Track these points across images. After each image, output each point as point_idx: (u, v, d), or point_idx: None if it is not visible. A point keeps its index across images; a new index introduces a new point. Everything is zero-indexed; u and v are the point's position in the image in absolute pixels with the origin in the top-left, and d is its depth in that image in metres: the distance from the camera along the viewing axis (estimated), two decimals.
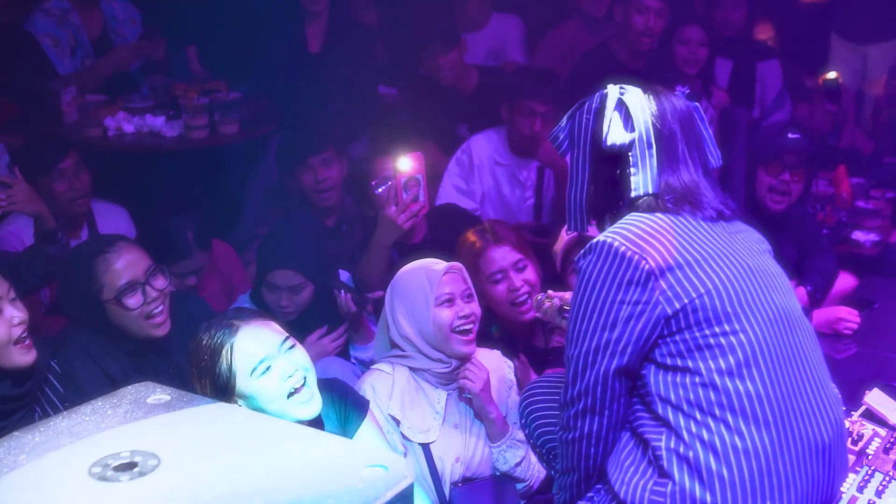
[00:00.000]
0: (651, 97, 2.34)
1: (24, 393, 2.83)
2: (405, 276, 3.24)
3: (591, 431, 2.27)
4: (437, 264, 3.24)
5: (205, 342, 2.60)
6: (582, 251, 2.26)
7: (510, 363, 3.46)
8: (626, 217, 2.28)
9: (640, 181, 2.28)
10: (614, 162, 2.32)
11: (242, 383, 2.57)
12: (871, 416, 2.86)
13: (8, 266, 3.27)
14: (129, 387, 2.50)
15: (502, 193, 4.94)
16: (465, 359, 3.20)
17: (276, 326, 2.65)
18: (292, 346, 2.63)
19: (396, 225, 3.79)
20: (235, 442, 2.22)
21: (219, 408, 2.42)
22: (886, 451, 2.72)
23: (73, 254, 3.35)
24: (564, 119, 2.42)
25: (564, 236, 3.59)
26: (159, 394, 2.44)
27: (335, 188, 4.53)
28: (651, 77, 5.15)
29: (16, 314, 2.76)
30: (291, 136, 4.85)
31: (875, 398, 2.90)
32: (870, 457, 2.69)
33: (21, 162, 3.77)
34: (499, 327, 3.71)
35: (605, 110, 2.31)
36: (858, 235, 4.76)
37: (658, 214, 2.25)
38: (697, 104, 2.42)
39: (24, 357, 2.78)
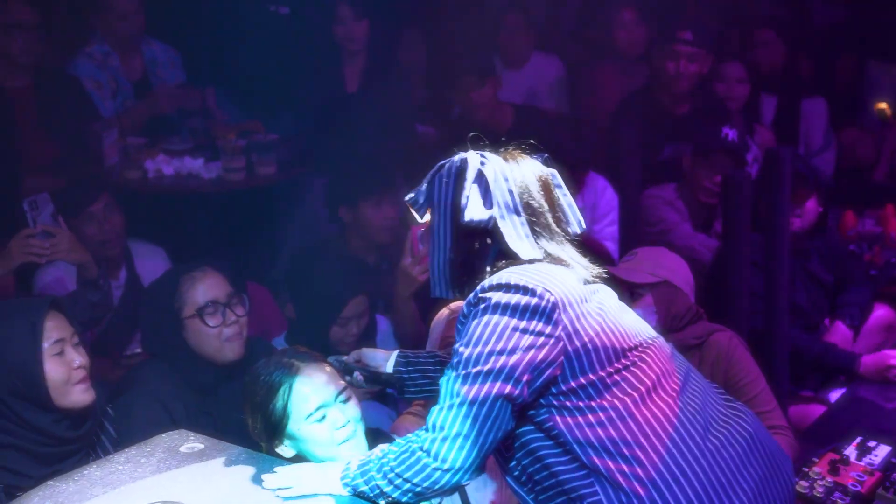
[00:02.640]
0: (513, 166, 2.28)
1: (82, 434, 2.85)
2: (435, 322, 3.28)
3: (461, 462, 2.14)
4: (447, 309, 3.25)
5: (262, 378, 2.61)
6: (474, 294, 2.18)
7: None
8: (508, 267, 2.21)
9: (524, 249, 2.22)
10: (478, 232, 2.25)
11: (295, 426, 2.57)
12: None
13: None
14: (164, 435, 2.53)
15: None
16: None
17: (333, 374, 2.66)
18: (348, 399, 2.63)
19: (412, 276, 3.74)
20: (265, 495, 2.23)
21: (251, 458, 2.43)
22: None
23: (162, 276, 3.53)
24: (424, 181, 2.36)
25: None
26: (192, 442, 2.46)
27: (390, 227, 4.58)
28: (697, 119, 5.16)
29: (77, 358, 2.80)
30: (344, 176, 4.87)
31: None
32: None
33: (56, 205, 3.84)
34: None
35: (463, 180, 2.25)
36: None
37: (539, 262, 2.22)
38: (555, 171, 2.35)
39: (83, 396, 2.80)
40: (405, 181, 5.37)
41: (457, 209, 2.25)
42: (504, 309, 2.12)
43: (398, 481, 2.15)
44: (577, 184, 4.83)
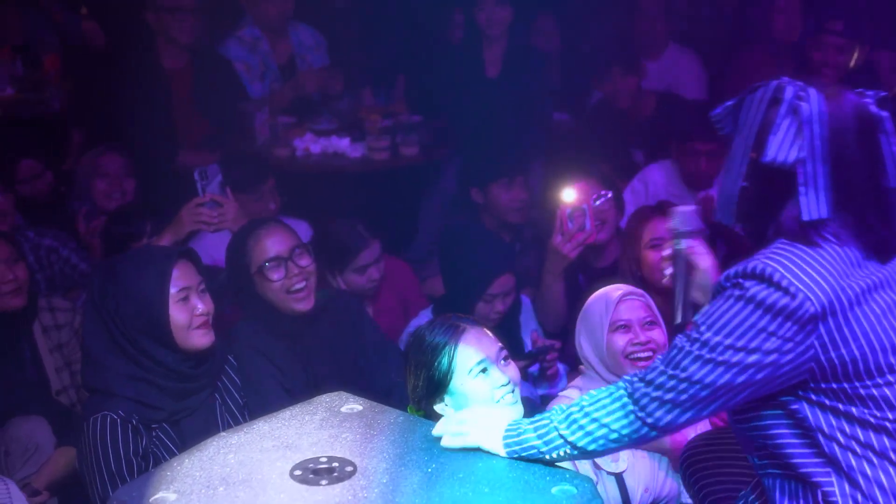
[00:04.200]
0: (833, 104, 2.08)
1: (202, 373, 3.05)
2: (591, 300, 3.29)
3: (659, 417, 2.10)
4: (617, 290, 3.26)
5: (427, 338, 2.72)
6: (745, 269, 2.06)
7: None
8: (786, 245, 2.06)
9: (812, 204, 2.03)
10: (771, 171, 2.07)
11: (458, 380, 2.67)
12: None
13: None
14: (324, 395, 2.62)
15: None
16: None
17: (495, 337, 2.76)
18: (507, 358, 2.74)
19: (562, 254, 3.90)
20: (426, 455, 2.30)
21: (408, 420, 2.51)
22: None
23: (235, 233, 3.62)
24: (732, 102, 2.20)
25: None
26: (352, 403, 2.55)
27: (521, 210, 4.67)
28: None
29: (200, 305, 2.99)
30: (478, 157, 4.95)
31: None
32: None
33: (228, 179, 3.99)
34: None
35: (776, 111, 2.07)
36: None
37: (819, 248, 2.05)
38: (888, 113, 2.13)
39: (201, 339, 2.99)
40: (540, 166, 5.44)
41: (761, 140, 2.08)
42: (758, 305, 2.01)
43: (592, 427, 2.11)
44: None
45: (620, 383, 2.14)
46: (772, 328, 1.99)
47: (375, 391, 3.11)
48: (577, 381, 3.30)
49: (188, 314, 2.97)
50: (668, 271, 2.60)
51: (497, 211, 4.67)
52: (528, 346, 3.90)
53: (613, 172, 5.33)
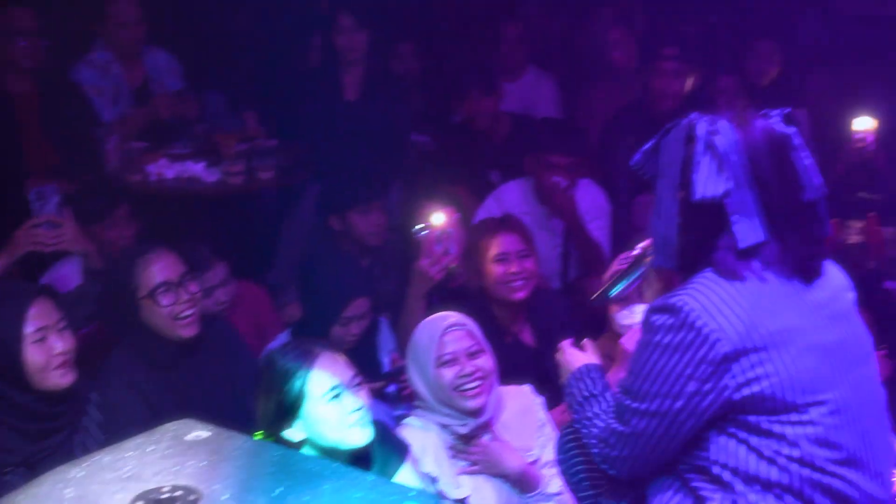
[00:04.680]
0: (744, 131, 2.12)
1: (61, 413, 2.97)
2: (417, 332, 3.30)
3: (626, 472, 2.27)
4: (442, 321, 3.25)
5: (280, 362, 2.76)
6: (656, 304, 2.14)
7: (539, 401, 3.45)
8: (707, 281, 2.11)
9: (747, 231, 2.08)
10: (702, 208, 2.11)
11: (311, 405, 2.70)
12: None
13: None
14: (170, 424, 2.56)
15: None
16: (474, 414, 3.19)
17: (347, 361, 2.81)
18: (360, 384, 2.79)
19: (428, 276, 3.96)
20: (273, 479, 2.27)
21: (257, 445, 2.48)
22: None
23: (118, 255, 3.60)
24: (649, 145, 2.25)
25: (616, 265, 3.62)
26: (199, 430, 2.50)
27: (378, 234, 4.68)
28: None
29: (58, 345, 2.92)
30: (335, 185, 4.93)
31: None
32: None
33: (75, 207, 3.93)
34: (489, 315, 3.85)
35: (692, 147, 2.12)
36: (890, 285, 4.76)
37: (740, 283, 2.09)
38: (795, 128, 2.19)
39: (61, 379, 2.92)
40: (399, 189, 5.47)
41: (686, 180, 2.12)
42: (673, 351, 2.08)
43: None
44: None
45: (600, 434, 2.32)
46: (688, 371, 2.07)
47: (253, 420, 3.06)
48: (416, 418, 3.28)
49: (46, 355, 2.88)
50: (637, 251, 2.63)
51: (356, 236, 4.67)
52: (387, 366, 3.91)
53: (471, 192, 5.41)
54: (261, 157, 5.13)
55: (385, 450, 2.90)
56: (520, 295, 3.95)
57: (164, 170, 5.07)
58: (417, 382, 3.23)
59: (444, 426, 3.22)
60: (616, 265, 2.74)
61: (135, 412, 3.20)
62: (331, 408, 2.71)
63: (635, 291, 2.70)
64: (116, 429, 3.07)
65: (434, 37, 6.81)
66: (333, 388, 2.71)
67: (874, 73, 6.52)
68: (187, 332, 3.34)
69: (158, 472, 2.26)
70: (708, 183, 2.09)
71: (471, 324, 3.28)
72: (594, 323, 4.15)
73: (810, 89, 6.23)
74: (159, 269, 3.33)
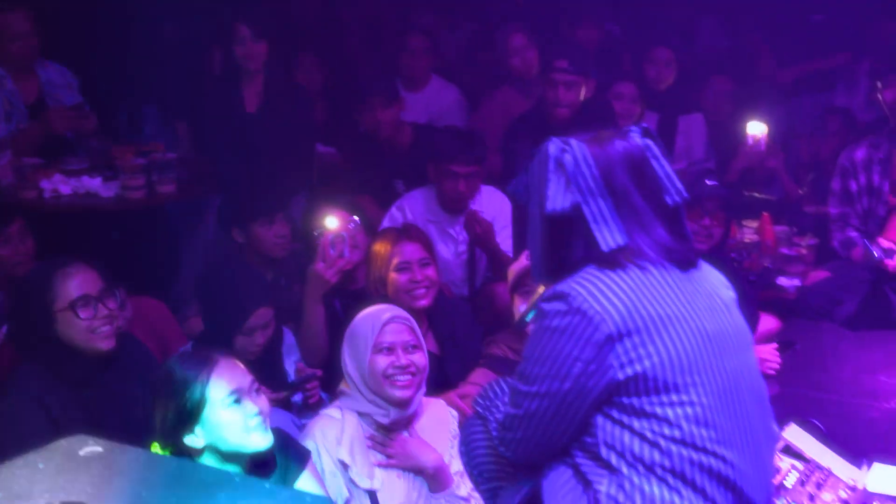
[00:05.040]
0: (597, 147, 2.27)
1: None
2: (359, 318, 3.36)
3: (521, 454, 2.33)
4: (385, 313, 3.33)
5: (178, 371, 2.76)
6: (548, 293, 2.24)
7: (454, 413, 3.53)
8: (592, 269, 2.21)
9: (607, 236, 2.21)
10: (569, 219, 2.24)
11: (212, 410, 2.72)
12: (788, 450, 2.96)
13: None
14: (62, 440, 2.53)
15: (436, 249, 5.04)
16: (401, 405, 3.25)
17: (245, 368, 2.83)
18: (258, 389, 2.82)
19: (324, 279, 4.03)
20: (168, 491, 2.25)
21: (152, 458, 2.46)
22: (802, 483, 2.81)
23: (33, 269, 3.55)
24: (522, 174, 2.37)
25: (523, 260, 3.70)
26: (91, 446, 2.47)
27: (282, 245, 4.67)
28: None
29: None
30: (234, 199, 4.90)
31: (793, 434, 3.00)
32: (788, 489, 2.78)
33: None
34: None
35: (545, 167, 2.26)
36: (783, 281, 4.90)
37: (622, 271, 2.20)
38: (650, 141, 2.32)
39: None
40: (303, 199, 5.46)
41: (542, 198, 2.26)
42: (561, 333, 2.17)
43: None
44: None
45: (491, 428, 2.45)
46: (575, 353, 2.16)
47: None
48: (338, 401, 3.35)
49: None
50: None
51: (259, 248, 4.64)
52: (292, 376, 3.91)
53: (376, 202, 5.42)
54: (160, 170, 5.05)
55: (286, 456, 2.92)
56: (422, 303, 3.99)
57: (60, 185, 4.97)
58: (350, 366, 3.29)
59: (363, 416, 3.28)
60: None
61: (36, 427, 3.13)
62: (231, 412, 2.73)
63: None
64: (14, 443, 3.02)
65: (337, 48, 6.81)
66: (233, 393, 2.73)
67: (770, 79, 6.74)
68: (105, 344, 3.30)
69: (49, 488, 2.22)
70: (556, 197, 2.23)
71: (412, 321, 3.37)
72: (499, 326, 4.22)
73: (707, 95, 6.38)
74: (79, 283, 3.29)
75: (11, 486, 2.25)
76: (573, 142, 2.28)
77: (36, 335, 3.31)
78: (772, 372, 3.89)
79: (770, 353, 3.95)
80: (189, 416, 2.73)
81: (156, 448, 2.77)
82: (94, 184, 5.01)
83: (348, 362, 3.30)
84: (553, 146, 2.27)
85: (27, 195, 4.96)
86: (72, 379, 3.29)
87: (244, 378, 2.79)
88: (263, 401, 2.81)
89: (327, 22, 7.19)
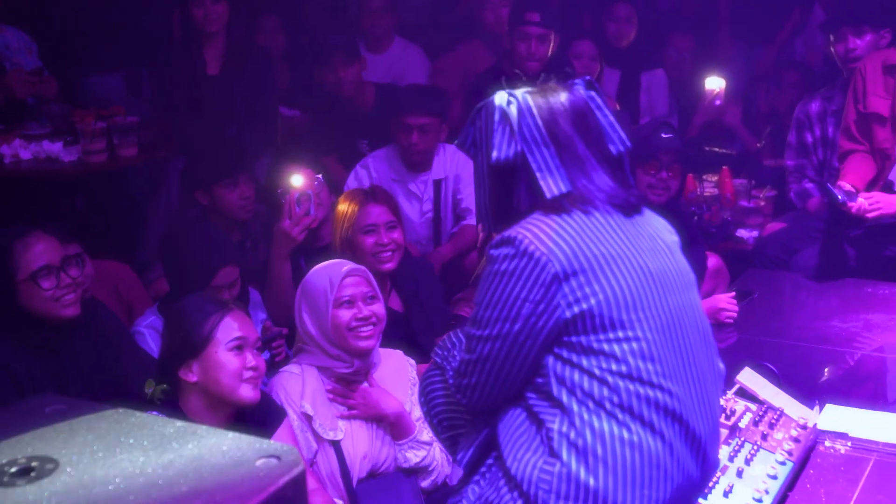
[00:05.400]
0: (540, 98, 2.34)
1: None
2: (311, 275, 3.40)
3: (477, 399, 2.38)
4: (342, 266, 3.38)
5: (193, 305, 2.94)
6: (495, 240, 2.29)
7: (412, 362, 3.60)
8: (538, 215, 2.28)
9: (550, 183, 2.28)
10: (514, 168, 2.31)
11: (214, 348, 2.86)
12: (742, 393, 3.03)
13: None
14: (29, 398, 2.56)
15: (401, 207, 5.08)
16: (363, 355, 3.32)
17: (253, 325, 3.01)
18: (260, 348, 2.99)
19: (291, 237, 4.08)
20: (133, 443, 2.27)
21: (116, 413, 2.48)
22: (756, 423, 2.88)
23: None
24: (467, 124, 2.42)
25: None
26: (55, 404, 2.50)
27: (247, 207, 4.67)
28: None
29: None
30: (197, 161, 4.90)
31: (746, 377, 3.07)
32: (741, 429, 2.85)
33: None
34: None
35: (492, 120, 2.34)
36: (742, 233, 4.99)
37: (567, 215, 2.26)
38: (594, 93, 2.38)
39: None
40: (268, 161, 5.47)
41: (490, 149, 2.33)
42: (510, 275, 2.22)
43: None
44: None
45: (447, 373, 2.49)
46: (523, 294, 2.21)
47: (134, 400, 3.07)
48: (299, 357, 3.40)
49: None
50: None
51: (224, 210, 4.64)
52: (259, 334, 3.93)
53: (340, 162, 5.44)
54: (122, 133, 5.04)
55: (264, 414, 3.04)
56: (388, 266, 4.02)
57: (20, 150, 4.95)
58: (308, 322, 3.33)
59: (322, 369, 3.33)
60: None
61: (1, 392, 3.16)
62: (231, 356, 2.86)
63: None
64: None
65: (298, 9, 6.78)
66: (239, 339, 2.87)
67: (731, 36, 6.78)
68: (68, 311, 3.30)
69: (13, 444, 2.26)
70: (502, 146, 2.30)
71: (368, 273, 3.42)
72: (464, 282, 4.26)
73: (669, 52, 6.42)
74: (39, 252, 3.28)
75: None
76: (518, 93, 2.35)
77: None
78: (730, 320, 3.96)
79: (728, 302, 4.01)
80: (193, 346, 2.87)
81: (150, 385, 2.91)
82: (54, 148, 4.98)
83: (307, 319, 3.34)
84: (499, 97, 2.34)
85: None
86: (37, 345, 3.30)
87: (251, 332, 2.93)
88: (261, 361, 2.93)
89: None
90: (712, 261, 4.46)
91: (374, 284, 3.40)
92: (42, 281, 3.25)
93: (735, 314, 3.99)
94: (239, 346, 2.88)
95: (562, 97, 2.35)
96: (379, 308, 3.36)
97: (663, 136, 4.07)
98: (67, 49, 5.75)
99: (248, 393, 2.88)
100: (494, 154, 2.30)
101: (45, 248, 3.30)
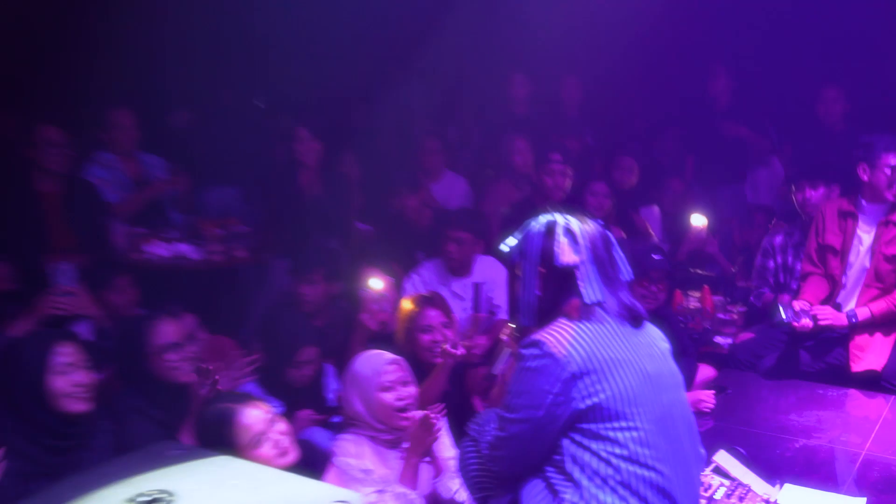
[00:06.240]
0: (584, 226, 2.37)
1: (77, 434, 2.95)
2: (357, 364, 3.30)
3: (505, 469, 2.37)
4: (384, 356, 3.30)
5: (209, 418, 2.85)
6: (526, 342, 2.29)
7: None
8: (563, 322, 2.29)
9: (590, 291, 2.29)
10: (559, 275, 2.33)
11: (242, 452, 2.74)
12: (718, 471, 2.99)
13: None
14: (153, 444, 2.60)
15: None
16: (402, 430, 3.22)
17: (266, 407, 2.89)
18: (281, 428, 2.88)
19: (367, 327, 4.11)
20: (233, 483, 2.32)
21: (222, 459, 2.52)
22: (728, 496, 2.84)
23: (134, 318, 3.65)
24: (513, 238, 2.44)
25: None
26: (175, 448, 2.54)
27: (323, 295, 4.70)
28: None
29: (78, 378, 2.94)
30: (296, 261, 4.96)
31: (721, 457, 3.03)
32: (716, 501, 2.81)
33: (86, 279, 3.96)
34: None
35: (554, 233, 2.34)
36: (719, 339, 4.94)
37: (586, 323, 2.27)
38: (609, 232, 2.45)
39: (76, 405, 2.93)
40: (347, 264, 5.53)
41: (545, 256, 2.33)
42: (536, 371, 2.23)
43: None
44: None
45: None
46: (546, 387, 2.21)
47: None
48: (350, 429, 3.27)
49: (67, 384, 2.90)
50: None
51: (311, 301, 4.68)
52: (332, 402, 3.93)
53: (401, 267, 5.49)
54: (236, 239, 5.18)
55: (312, 461, 3.02)
56: (439, 360, 3.86)
57: (159, 249, 5.10)
58: (356, 403, 3.22)
59: (372, 438, 3.23)
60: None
61: (144, 434, 3.17)
62: (254, 453, 2.77)
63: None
64: (129, 447, 3.04)
65: (372, 148, 6.92)
66: (254, 436, 2.78)
67: (715, 180, 6.82)
68: (185, 378, 3.37)
69: (145, 479, 2.30)
70: (567, 254, 2.32)
71: (403, 361, 3.34)
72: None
73: (665, 193, 6.47)
74: (167, 332, 3.38)
75: (119, 473, 2.32)
76: (570, 218, 2.38)
77: (134, 369, 3.38)
78: (708, 410, 3.92)
79: (707, 396, 3.97)
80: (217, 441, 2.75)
81: None
82: (184, 249, 5.13)
83: (355, 402, 3.23)
84: (559, 216, 2.38)
85: (135, 256, 5.08)
86: (159, 402, 3.34)
87: (260, 421, 2.82)
88: (285, 439, 2.85)
89: (365, 127, 7.29)
90: (704, 372, 4.43)
91: (407, 370, 3.31)
92: (167, 354, 3.33)
93: (712, 405, 3.95)
94: (257, 443, 2.80)
95: (596, 228, 2.40)
96: (413, 390, 3.27)
97: (654, 257, 4.09)
98: (196, 169, 5.91)
99: (281, 464, 2.77)
100: (560, 259, 2.31)
101: (171, 329, 3.39)
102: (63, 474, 2.78)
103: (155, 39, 6.11)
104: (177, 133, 6.31)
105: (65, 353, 2.95)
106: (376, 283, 4.16)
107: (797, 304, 4.35)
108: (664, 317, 4.31)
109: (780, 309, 4.15)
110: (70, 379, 2.92)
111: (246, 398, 2.94)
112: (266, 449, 2.78)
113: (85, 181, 5.23)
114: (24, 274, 4.53)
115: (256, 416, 2.81)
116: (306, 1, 6.55)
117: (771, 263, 5.15)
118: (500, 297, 5.00)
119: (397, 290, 4.57)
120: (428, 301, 4.04)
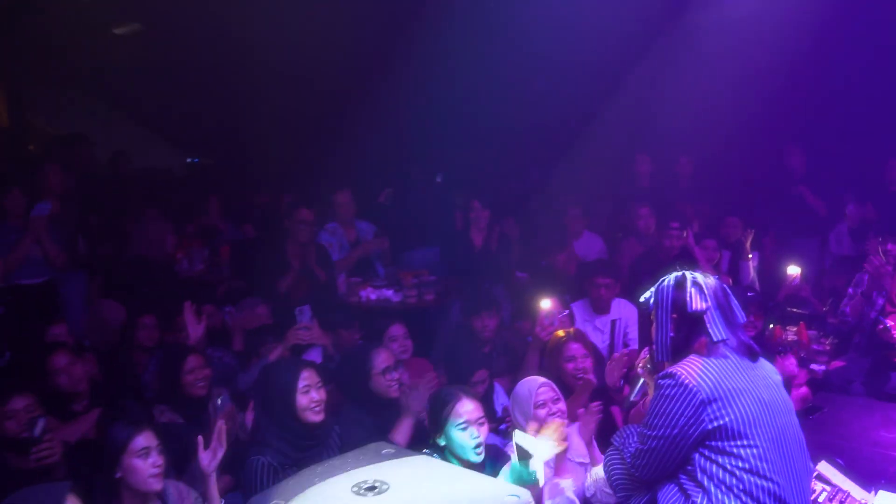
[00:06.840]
0: (707, 279, 2.31)
1: (317, 435, 3.03)
2: (518, 389, 3.27)
3: (644, 475, 2.30)
4: (535, 381, 3.24)
5: (442, 394, 2.90)
6: (662, 374, 2.24)
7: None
8: (693, 358, 2.23)
9: (717, 332, 2.23)
10: (690, 319, 2.27)
11: (449, 428, 2.79)
12: (820, 478, 2.79)
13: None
14: (371, 444, 2.68)
15: (590, 336, 5.03)
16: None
17: (479, 405, 2.87)
18: (483, 423, 2.83)
19: (541, 339, 4.03)
20: (433, 477, 2.35)
21: (423, 458, 2.57)
22: (830, 501, 2.64)
23: (360, 348, 3.71)
24: (649, 292, 2.39)
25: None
26: (388, 448, 2.61)
27: (491, 328, 4.68)
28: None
29: (316, 396, 3.03)
30: (470, 301, 4.99)
31: (823, 467, 2.82)
32: None
33: (321, 318, 4.15)
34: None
35: (684, 286, 2.29)
36: (814, 367, 4.61)
37: (713, 358, 2.21)
38: (722, 283, 2.38)
39: (316, 417, 3.01)
40: (508, 306, 5.54)
41: (677, 305, 2.28)
42: (671, 399, 2.19)
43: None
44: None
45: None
46: (680, 411, 2.17)
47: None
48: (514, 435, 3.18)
49: (309, 401, 3.00)
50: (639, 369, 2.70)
51: (481, 332, 4.71)
52: (499, 413, 3.92)
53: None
54: (426, 286, 5.31)
55: (494, 462, 2.95)
56: (580, 384, 3.79)
57: (370, 294, 5.30)
58: (520, 419, 3.19)
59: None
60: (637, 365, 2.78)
61: (360, 438, 3.15)
62: (460, 434, 2.77)
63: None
64: (350, 447, 3.16)
65: (525, 213, 6.91)
66: (465, 422, 2.77)
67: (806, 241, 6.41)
68: (394, 393, 3.42)
69: (366, 472, 2.38)
70: (697, 302, 2.27)
71: (551, 383, 3.27)
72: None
73: (764, 246, 6.15)
74: (384, 358, 3.44)
75: (346, 466, 2.40)
76: (695, 274, 2.34)
77: (356, 387, 3.44)
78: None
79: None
80: (437, 425, 2.80)
81: (432, 441, 2.83)
82: (389, 293, 5.29)
83: (518, 417, 3.18)
84: (689, 274, 2.33)
85: (352, 300, 5.29)
86: (377, 411, 3.39)
87: (477, 413, 2.81)
88: (484, 431, 2.80)
89: (522, 198, 7.31)
90: (805, 393, 4.14)
91: (557, 390, 3.23)
92: (387, 375, 3.42)
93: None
94: (464, 427, 2.76)
95: (714, 281, 2.34)
96: (562, 406, 3.20)
97: (749, 294, 3.90)
98: (395, 232, 6.14)
99: (474, 458, 2.73)
100: (691, 306, 2.25)
101: (385, 356, 3.44)
102: (306, 466, 2.89)
103: (367, 134, 6.38)
104: (381, 206, 6.57)
105: (306, 377, 3.05)
106: (546, 304, 4.10)
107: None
108: (767, 349, 4.09)
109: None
110: (310, 397, 3.02)
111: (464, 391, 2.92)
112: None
113: (319, 245, 5.49)
114: (276, 313, 4.82)
115: (469, 406, 2.85)
116: (471, 100, 6.73)
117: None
118: (633, 332, 4.88)
119: (569, 317, 4.53)
120: (573, 337, 3.95)
